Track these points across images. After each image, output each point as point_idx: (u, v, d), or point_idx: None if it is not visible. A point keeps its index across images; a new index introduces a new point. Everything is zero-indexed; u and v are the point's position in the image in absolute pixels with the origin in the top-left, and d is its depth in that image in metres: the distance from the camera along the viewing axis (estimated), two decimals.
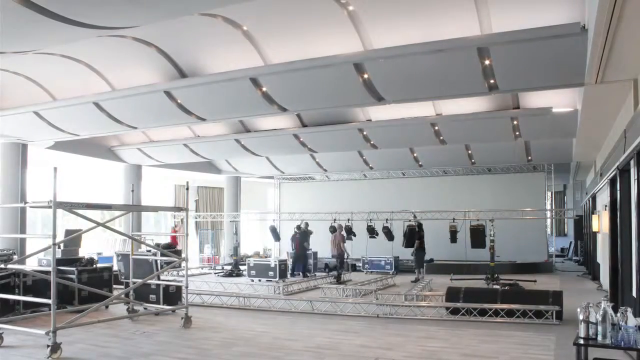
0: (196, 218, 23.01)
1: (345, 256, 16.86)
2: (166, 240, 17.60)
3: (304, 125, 14.54)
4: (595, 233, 15.32)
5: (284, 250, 21.58)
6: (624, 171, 8.29)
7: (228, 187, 23.60)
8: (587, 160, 16.18)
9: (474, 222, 16.84)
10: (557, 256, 22.63)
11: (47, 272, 8.32)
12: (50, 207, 6.94)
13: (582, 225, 22.26)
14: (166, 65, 10.14)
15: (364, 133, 14.33)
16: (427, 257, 16.91)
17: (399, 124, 13.42)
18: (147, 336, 8.00)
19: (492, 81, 8.44)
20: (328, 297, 11.58)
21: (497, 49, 7.71)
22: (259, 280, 15.40)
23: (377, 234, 18.31)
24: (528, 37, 7.25)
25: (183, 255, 10.17)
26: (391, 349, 7.08)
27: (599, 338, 4.06)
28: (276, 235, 20.68)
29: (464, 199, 19.84)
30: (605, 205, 11.63)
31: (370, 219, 18.41)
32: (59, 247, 10.51)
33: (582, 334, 4.16)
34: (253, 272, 16.03)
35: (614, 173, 9.14)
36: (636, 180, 7.02)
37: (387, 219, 18.14)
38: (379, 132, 14.29)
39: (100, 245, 17.99)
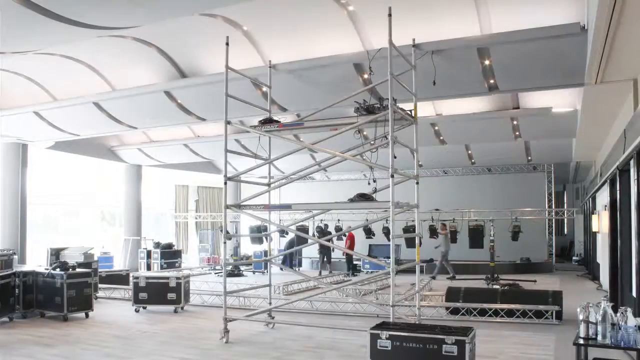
0: (196, 218, 22.99)
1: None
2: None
3: None
4: (595, 233, 15.32)
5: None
6: (623, 171, 8.29)
7: (228, 187, 23.56)
8: (587, 160, 16.18)
9: (472, 222, 16.85)
10: (557, 256, 22.62)
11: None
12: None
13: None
14: (166, 66, 10.16)
15: (364, 133, 14.31)
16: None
17: None
18: (147, 336, 8.00)
19: (492, 81, 8.45)
20: (328, 297, 11.57)
21: (497, 49, 7.72)
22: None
23: (373, 234, 18.32)
24: (528, 37, 7.26)
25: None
26: None
27: (599, 338, 4.07)
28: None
29: (463, 199, 19.82)
30: (605, 205, 11.64)
31: (367, 219, 18.39)
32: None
33: (582, 333, 4.17)
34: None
35: (613, 173, 9.14)
36: (636, 180, 7.02)
37: (386, 220, 18.09)
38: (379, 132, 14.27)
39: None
